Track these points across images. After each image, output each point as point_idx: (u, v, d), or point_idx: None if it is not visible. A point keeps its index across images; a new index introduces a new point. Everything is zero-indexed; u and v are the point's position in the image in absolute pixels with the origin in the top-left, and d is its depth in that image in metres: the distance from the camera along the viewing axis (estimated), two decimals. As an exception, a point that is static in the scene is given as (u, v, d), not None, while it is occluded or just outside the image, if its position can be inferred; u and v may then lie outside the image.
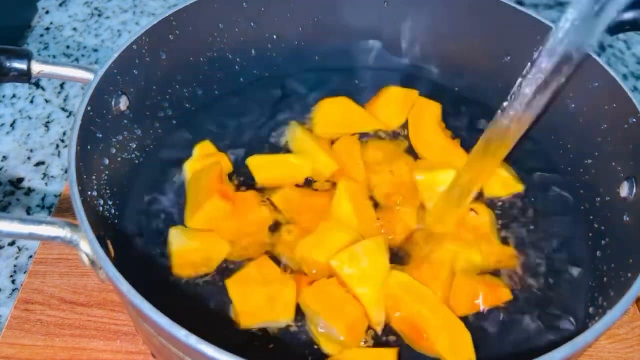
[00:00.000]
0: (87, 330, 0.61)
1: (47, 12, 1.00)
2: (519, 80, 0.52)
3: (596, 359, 0.60)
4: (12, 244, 0.71)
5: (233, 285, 0.58)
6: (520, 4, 0.84)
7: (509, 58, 0.72)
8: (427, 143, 0.71)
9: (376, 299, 0.57)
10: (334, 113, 0.73)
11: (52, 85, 0.88)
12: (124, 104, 0.62)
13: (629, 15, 0.65)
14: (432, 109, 0.74)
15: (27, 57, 0.58)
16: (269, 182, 0.67)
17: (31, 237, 0.47)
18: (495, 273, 0.61)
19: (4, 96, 0.87)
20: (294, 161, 0.68)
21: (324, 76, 0.79)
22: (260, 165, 0.67)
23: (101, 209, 0.59)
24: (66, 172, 0.77)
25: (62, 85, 0.88)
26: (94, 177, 0.58)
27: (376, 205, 0.66)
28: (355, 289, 0.57)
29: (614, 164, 0.62)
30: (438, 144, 0.71)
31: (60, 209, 0.71)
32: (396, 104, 0.74)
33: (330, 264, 0.58)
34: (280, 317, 0.57)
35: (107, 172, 0.60)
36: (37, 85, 0.88)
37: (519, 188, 0.68)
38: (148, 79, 0.66)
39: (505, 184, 0.68)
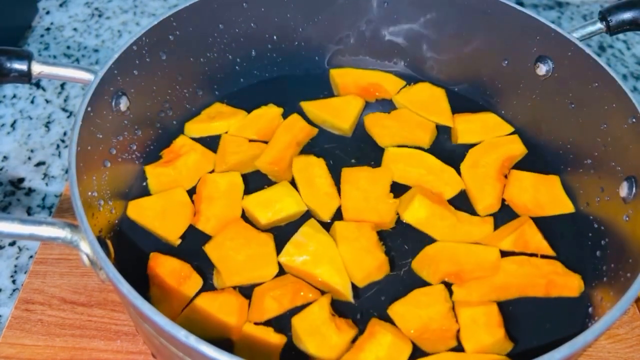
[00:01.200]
0: (88, 330, 0.61)
1: (48, 12, 1.00)
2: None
3: (596, 359, 0.60)
4: (12, 244, 0.71)
5: (212, 250, 0.61)
6: (520, 4, 0.84)
7: (508, 58, 0.72)
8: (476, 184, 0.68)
9: (336, 271, 0.60)
10: (425, 96, 0.76)
11: (52, 86, 0.88)
12: (124, 104, 0.63)
13: (629, 15, 0.65)
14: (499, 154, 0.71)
15: (28, 57, 0.58)
16: (263, 136, 0.72)
17: (31, 237, 0.47)
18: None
19: (4, 96, 0.87)
20: (262, 112, 0.74)
21: (324, 76, 0.79)
22: (244, 127, 0.72)
23: (101, 209, 0.59)
24: (66, 172, 0.77)
25: (62, 86, 0.88)
26: (94, 177, 0.58)
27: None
28: (313, 271, 0.60)
29: (613, 164, 0.62)
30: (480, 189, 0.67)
31: (60, 209, 0.71)
32: (481, 129, 0.74)
33: (280, 261, 0.61)
34: (263, 272, 0.60)
35: (107, 172, 0.61)
36: (38, 85, 0.88)
37: (570, 208, 0.67)
38: (148, 79, 0.66)
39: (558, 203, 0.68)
